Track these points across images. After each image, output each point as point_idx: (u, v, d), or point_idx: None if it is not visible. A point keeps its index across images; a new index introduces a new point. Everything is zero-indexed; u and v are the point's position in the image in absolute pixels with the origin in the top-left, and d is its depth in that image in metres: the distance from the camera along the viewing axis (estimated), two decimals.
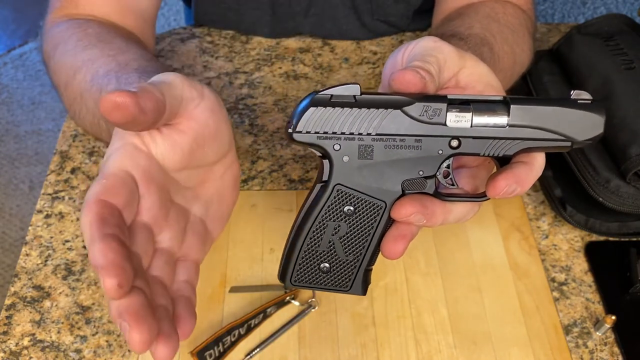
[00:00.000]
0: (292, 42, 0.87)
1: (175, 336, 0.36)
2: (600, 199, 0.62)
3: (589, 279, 0.62)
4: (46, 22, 0.68)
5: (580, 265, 0.63)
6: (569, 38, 0.74)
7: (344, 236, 0.42)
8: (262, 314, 0.57)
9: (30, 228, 0.64)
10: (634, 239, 0.65)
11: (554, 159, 0.68)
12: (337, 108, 0.40)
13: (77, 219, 0.65)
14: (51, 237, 0.64)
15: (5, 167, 1.83)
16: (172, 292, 0.39)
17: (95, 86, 0.55)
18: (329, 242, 0.42)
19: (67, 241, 0.63)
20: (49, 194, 0.67)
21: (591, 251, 0.64)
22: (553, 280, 0.62)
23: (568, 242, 0.65)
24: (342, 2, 0.82)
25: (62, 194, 0.67)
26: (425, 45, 0.42)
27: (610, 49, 0.70)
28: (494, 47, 0.60)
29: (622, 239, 0.65)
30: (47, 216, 0.65)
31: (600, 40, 0.72)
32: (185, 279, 0.41)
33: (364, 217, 0.41)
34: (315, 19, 0.84)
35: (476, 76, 0.43)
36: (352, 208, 0.41)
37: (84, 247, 0.63)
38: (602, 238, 0.65)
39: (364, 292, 0.44)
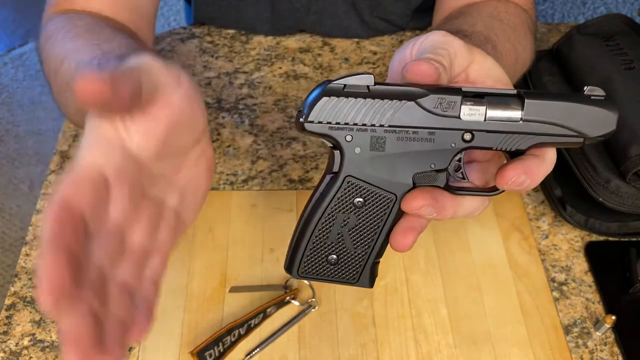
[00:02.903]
0: (292, 42, 0.87)
1: (121, 353, 0.34)
2: (600, 199, 0.62)
3: (589, 279, 0.62)
4: (43, 19, 0.69)
5: (580, 265, 0.63)
6: (569, 38, 0.74)
7: (353, 228, 0.41)
8: (262, 314, 0.57)
9: (30, 228, 0.64)
10: (634, 239, 0.65)
11: None
12: (350, 98, 0.39)
13: None
14: None
15: (5, 167, 1.83)
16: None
17: (79, 73, 0.54)
18: (338, 234, 0.42)
19: None
20: (49, 194, 0.67)
21: (591, 251, 0.64)
22: (553, 280, 0.62)
23: (568, 242, 0.65)
24: None
25: None
26: (436, 39, 0.42)
27: (610, 49, 0.70)
28: (497, 45, 0.60)
29: (622, 239, 0.65)
30: None
31: (600, 40, 0.72)
32: (151, 275, 0.40)
33: (373, 209, 0.41)
34: (316, 16, 0.84)
35: (485, 70, 0.43)
36: (362, 200, 0.41)
37: None
38: (602, 238, 0.65)
39: (371, 284, 0.43)
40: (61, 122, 0.77)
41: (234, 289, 0.60)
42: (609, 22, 0.75)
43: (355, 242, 0.42)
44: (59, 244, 0.31)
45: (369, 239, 0.42)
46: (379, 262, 0.44)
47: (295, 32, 0.87)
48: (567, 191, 0.66)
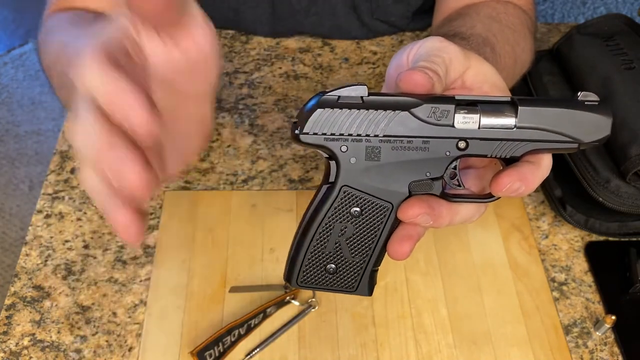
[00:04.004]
0: (292, 42, 0.87)
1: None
2: (600, 199, 0.62)
3: (588, 279, 0.62)
4: (43, 18, 0.69)
5: (580, 265, 0.63)
6: (569, 38, 0.74)
7: (350, 237, 0.42)
8: (262, 314, 0.57)
9: (30, 228, 0.64)
10: (634, 239, 0.65)
11: (554, 159, 0.67)
12: (344, 109, 0.39)
13: (78, 219, 0.65)
14: (51, 237, 0.64)
15: (5, 167, 1.83)
16: None
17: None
18: (336, 243, 0.42)
19: (67, 241, 0.63)
20: (49, 194, 0.67)
21: (591, 251, 0.64)
22: (553, 280, 0.62)
23: (568, 242, 0.65)
24: (342, 1, 0.82)
25: (62, 194, 0.67)
26: (431, 46, 0.42)
27: (610, 49, 0.70)
28: (495, 47, 0.60)
29: (622, 239, 0.65)
30: (47, 216, 0.65)
31: (600, 40, 0.72)
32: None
33: (370, 218, 0.41)
34: (316, 18, 0.84)
35: (482, 76, 0.43)
36: (358, 209, 0.41)
37: (84, 247, 0.63)
38: (602, 238, 0.65)
39: (370, 292, 0.44)
40: (61, 122, 0.77)
41: (234, 289, 0.60)
42: (609, 22, 0.75)
43: (353, 251, 0.42)
44: (127, 82, 0.32)
45: (366, 247, 0.42)
46: (377, 270, 0.44)
47: (295, 33, 0.87)
48: (567, 191, 0.66)
